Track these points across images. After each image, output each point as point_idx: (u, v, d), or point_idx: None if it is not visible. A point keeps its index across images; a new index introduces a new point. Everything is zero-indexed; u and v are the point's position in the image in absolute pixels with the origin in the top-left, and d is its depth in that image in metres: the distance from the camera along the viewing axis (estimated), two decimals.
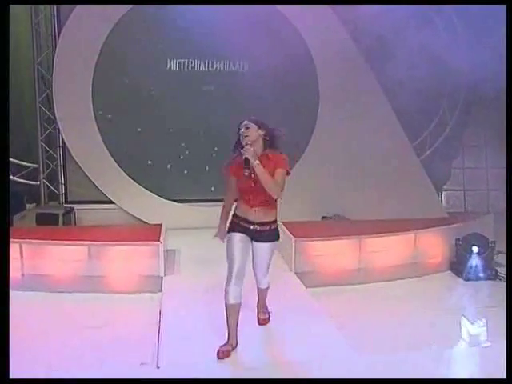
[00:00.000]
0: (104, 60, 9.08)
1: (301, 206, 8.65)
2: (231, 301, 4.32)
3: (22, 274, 6.48)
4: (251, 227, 4.39)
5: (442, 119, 10.32)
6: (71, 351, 4.77)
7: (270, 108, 8.59)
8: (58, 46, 9.00)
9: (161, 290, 6.19)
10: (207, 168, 9.10)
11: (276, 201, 4.38)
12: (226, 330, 4.44)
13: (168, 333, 4.92)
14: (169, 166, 9.47)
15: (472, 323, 4.64)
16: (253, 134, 4.25)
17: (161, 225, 7.26)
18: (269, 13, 9.05)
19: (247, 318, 4.76)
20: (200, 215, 8.58)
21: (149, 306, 5.91)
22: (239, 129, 4.30)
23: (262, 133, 4.29)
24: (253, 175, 4.20)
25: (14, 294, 6.18)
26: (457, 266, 6.96)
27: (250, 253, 4.50)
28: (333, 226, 8.20)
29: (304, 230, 6.96)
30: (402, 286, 6.51)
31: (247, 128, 4.26)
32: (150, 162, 9.44)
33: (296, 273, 6.52)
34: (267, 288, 4.82)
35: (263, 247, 4.46)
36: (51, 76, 9.10)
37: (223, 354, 4.27)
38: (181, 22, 8.87)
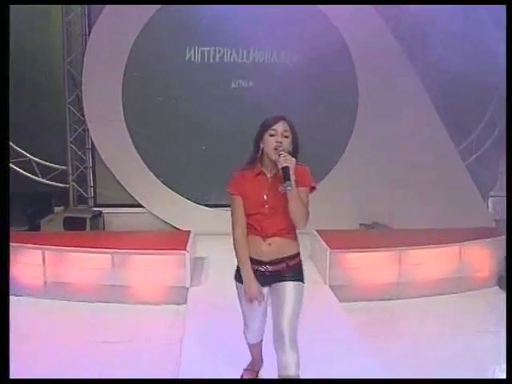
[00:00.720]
0: (134, 59, 8.86)
1: (337, 212, 8.27)
2: (251, 341, 3.68)
3: (44, 282, 6.26)
4: (262, 269, 3.27)
5: (489, 121, 9.75)
6: (90, 365, 4.57)
7: (306, 107, 8.29)
8: (87, 45, 8.82)
9: (185, 302, 5.90)
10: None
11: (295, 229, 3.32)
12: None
13: (191, 349, 4.61)
14: (200, 169, 9.16)
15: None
16: (287, 145, 3.19)
17: (189, 232, 6.96)
18: (308, 11, 8.66)
19: None
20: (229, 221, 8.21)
21: (173, 319, 5.67)
22: (266, 125, 3.23)
23: (291, 146, 3.23)
24: (266, 196, 3.22)
25: (35, 301, 6.17)
26: (506, 280, 6.48)
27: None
28: (371, 235, 7.75)
29: (340, 240, 6.55)
30: (445, 302, 6.14)
31: (286, 137, 3.19)
32: (181, 166, 9.18)
33: (330, 286, 6.12)
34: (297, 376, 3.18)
35: (286, 287, 3.23)
36: (81, 76, 8.90)
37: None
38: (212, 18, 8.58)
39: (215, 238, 7.73)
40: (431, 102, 8.98)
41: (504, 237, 6.90)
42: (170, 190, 9.12)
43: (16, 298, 6.21)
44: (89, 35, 8.87)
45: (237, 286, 3.41)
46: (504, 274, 6.52)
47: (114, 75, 8.80)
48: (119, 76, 8.81)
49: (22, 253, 6.37)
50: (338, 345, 4.53)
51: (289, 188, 3.03)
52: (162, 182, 9.10)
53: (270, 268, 3.25)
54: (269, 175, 3.25)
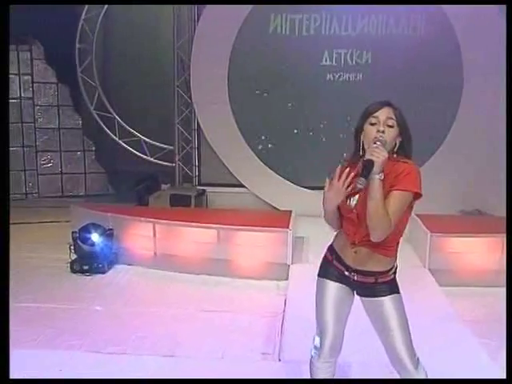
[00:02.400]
0: (240, 45, 9.10)
1: (438, 198, 8.17)
2: (319, 376, 2.99)
3: (155, 253, 6.65)
4: (346, 273, 2.81)
5: None
6: (194, 334, 4.85)
7: (407, 90, 8.25)
8: (196, 30, 9.16)
9: (287, 279, 6.09)
10: (344, 155, 8.82)
11: (396, 239, 2.74)
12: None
13: (292, 324, 4.76)
14: (302, 152, 9.29)
15: None
16: (391, 136, 2.62)
17: (290, 211, 7.12)
18: None
19: None
20: None
21: (274, 294, 5.90)
22: (368, 113, 2.67)
23: (399, 138, 2.67)
24: (355, 201, 2.69)
25: (144, 272, 6.56)
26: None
27: (349, 310, 2.94)
28: (473, 221, 7.63)
29: (441, 225, 6.51)
30: None
31: (391, 126, 2.62)
32: (283, 149, 9.37)
33: (430, 269, 6.11)
34: None
35: (381, 305, 2.76)
36: (189, 60, 9.26)
37: None
38: None
39: (315, 220, 7.89)
40: None
41: None
42: (271, 172, 9.34)
43: (128, 266, 6.74)
44: (197, 21, 9.21)
45: (318, 283, 2.93)
46: None
47: (221, 59, 9.07)
48: (225, 60, 9.09)
49: (134, 225, 6.81)
50: (437, 329, 4.58)
51: (360, 185, 2.51)
52: (265, 164, 9.34)
53: (356, 277, 2.77)
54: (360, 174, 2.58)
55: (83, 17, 9.25)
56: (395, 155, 2.67)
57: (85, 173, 11.19)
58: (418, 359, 2.78)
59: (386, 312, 2.74)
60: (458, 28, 8.73)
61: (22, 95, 10.66)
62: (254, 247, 6.39)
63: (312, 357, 2.97)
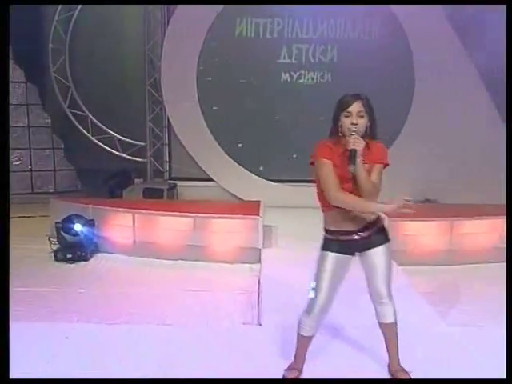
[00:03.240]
0: (208, 47, 9.64)
1: (390, 190, 8.80)
2: (304, 333, 3.67)
3: (134, 241, 7.10)
4: (355, 237, 3.45)
5: None
6: (178, 309, 5.31)
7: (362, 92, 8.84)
8: (166, 33, 9.65)
9: (259, 261, 6.64)
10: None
11: (377, 196, 3.48)
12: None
13: (268, 298, 5.31)
14: (267, 147, 9.90)
15: None
16: (363, 125, 3.32)
17: (259, 201, 7.67)
18: None
19: None
20: (295, 195, 8.91)
21: (248, 275, 6.41)
22: (343, 106, 3.34)
23: (368, 124, 3.36)
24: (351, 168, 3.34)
25: (125, 260, 6.99)
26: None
27: (341, 281, 3.58)
28: (424, 208, 8.35)
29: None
30: (492, 269, 6.50)
31: (361, 117, 3.32)
32: (249, 144, 9.95)
33: None
34: (395, 324, 3.67)
35: (379, 253, 3.51)
36: (159, 61, 9.74)
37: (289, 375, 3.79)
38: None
39: (279, 210, 8.48)
40: (484, 85, 9.43)
41: None
42: (238, 166, 9.90)
43: (110, 254, 7.18)
44: (167, 24, 9.70)
45: (321, 255, 3.51)
46: None
47: (190, 60, 9.59)
48: (194, 60, 9.60)
49: (114, 216, 7.26)
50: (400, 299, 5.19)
51: (352, 171, 3.26)
52: (232, 159, 9.89)
53: (363, 234, 3.43)
54: (348, 161, 3.31)
55: (56, 18, 9.57)
56: (366, 138, 3.37)
57: (54, 170, 11.46)
58: (392, 298, 3.59)
59: (378, 259, 3.50)
60: (408, 31, 9.42)
61: None
62: (228, 233, 6.94)
63: (302, 314, 3.61)
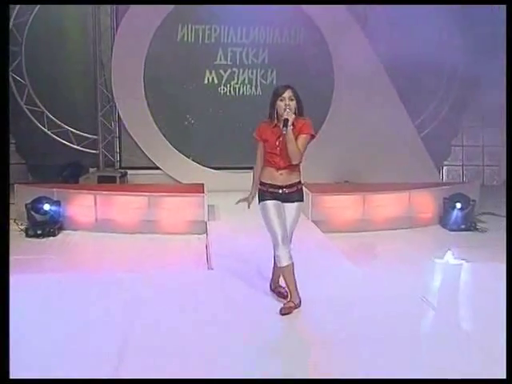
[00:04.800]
0: (153, 51, 10.70)
1: (316, 172, 9.91)
2: (284, 263, 4.58)
3: (96, 219, 8.16)
4: (280, 191, 4.58)
5: (440, 101, 11.63)
6: (143, 266, 6.47)
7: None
8: (116, 37, 10.68)
9: (205, 232, 7.83)
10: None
11: (301, 162, 4.59)
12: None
13: (215, 255, 6.47)
14: (210, 138, 11.05)
15: None
16: (293, 106, 4.45)
17: (203, 184, 8.78)
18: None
19: None
20: (234, 180, 9.85)
21: (197, 243, 7.60)
22: (278, 94, 4.51)
23: (297, 106, 4.50)
24: (281, 139, 4.49)
25: (89, 235, 8.04)
26: (444, 219, 8.48)
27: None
28: (342, 186, 9.82)
29: (319, 189, 8.48)
30: (400, 235, 7.98)
31: (292, 100, 4.46)
32: (192, 136, 11.10)
33: (312, 221, 8.04)
34: (292, 265, 4.64)
35: (293, 207, 4.65)
36: (110, 62, 10.77)
37: (285, 311, 4.58)
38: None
39: (220, 194, 9.62)
40: (391, 85, 10.93)
41: (444, 187, 8.98)
42: (182, 156, 10.99)
43: (74, 231, 8.20)
44: (116, 28, 10.74)
45: (262, 206, 4.65)
46: (443, 215, 8.54)
47: (137, 61, 10.64)
48: (141, 61, 10.66)
49: (77, 197, 8.34)
50: (323, 256, 6.51)
51: (284, 131, 4.41)
52: (177, 149, 10.97)
53: (286, 190, 4.58)
54: (281, 128, 4.47)
55: (12, 22, 10.34)
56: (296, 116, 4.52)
57: None
58: (291, 255, 4.62)
59: (292, 212, 4.67)
60: (328, 38, 10.80)
61: None
62: (178, 210, 8.15)
63: (274, 250, 4.63)
